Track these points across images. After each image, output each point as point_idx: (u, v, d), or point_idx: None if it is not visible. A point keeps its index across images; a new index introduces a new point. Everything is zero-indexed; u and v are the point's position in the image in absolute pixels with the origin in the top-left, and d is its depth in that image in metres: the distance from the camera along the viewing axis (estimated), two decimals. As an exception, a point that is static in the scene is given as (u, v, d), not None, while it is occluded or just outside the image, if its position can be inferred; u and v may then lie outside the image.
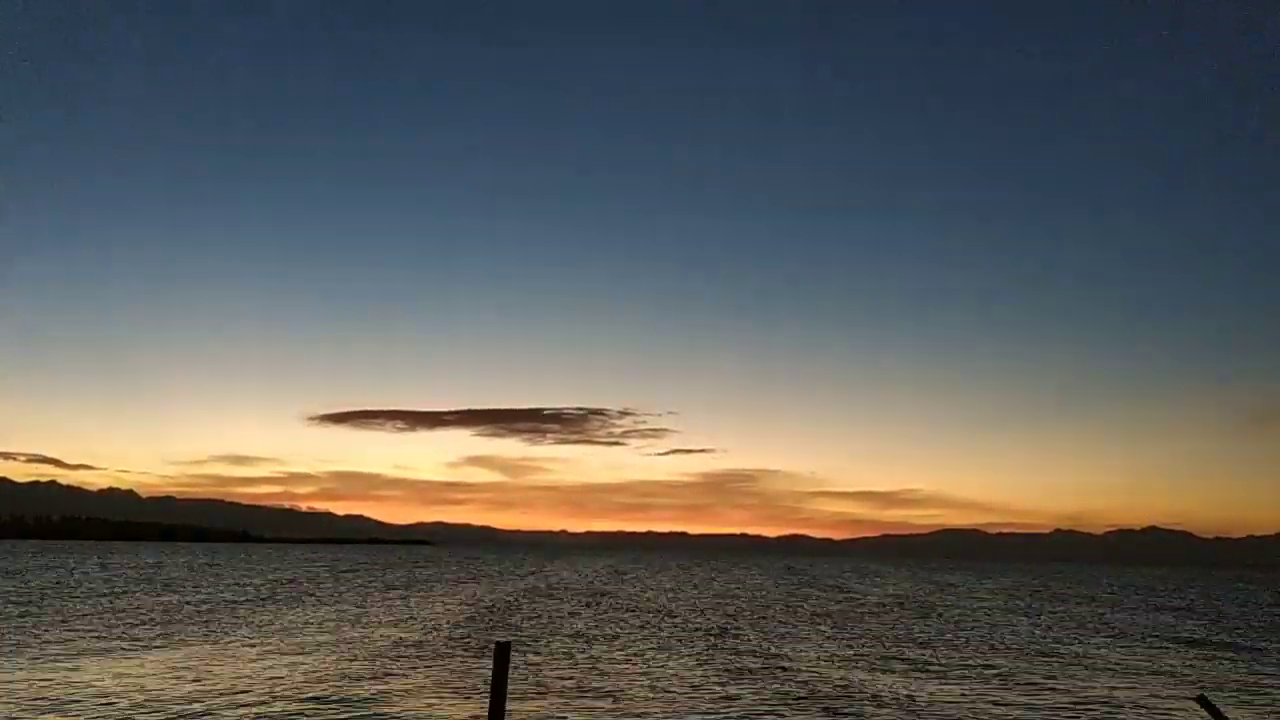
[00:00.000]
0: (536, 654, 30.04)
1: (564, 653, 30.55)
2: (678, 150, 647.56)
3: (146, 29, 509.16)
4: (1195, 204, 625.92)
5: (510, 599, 56.78)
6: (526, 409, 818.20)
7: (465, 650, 30.65)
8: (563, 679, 25.11)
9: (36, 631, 33.00)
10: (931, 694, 24.55)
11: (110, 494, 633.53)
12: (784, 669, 28.33)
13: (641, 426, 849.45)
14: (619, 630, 38.87)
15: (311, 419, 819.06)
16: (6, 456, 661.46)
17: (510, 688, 15.65)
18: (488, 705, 13.92)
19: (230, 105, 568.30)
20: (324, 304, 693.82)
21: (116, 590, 56.91)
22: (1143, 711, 23.21)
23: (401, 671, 25.77)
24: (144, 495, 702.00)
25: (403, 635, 34.85)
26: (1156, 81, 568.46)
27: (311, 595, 57.07)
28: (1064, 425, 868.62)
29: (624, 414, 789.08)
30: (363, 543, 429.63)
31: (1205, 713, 12.65)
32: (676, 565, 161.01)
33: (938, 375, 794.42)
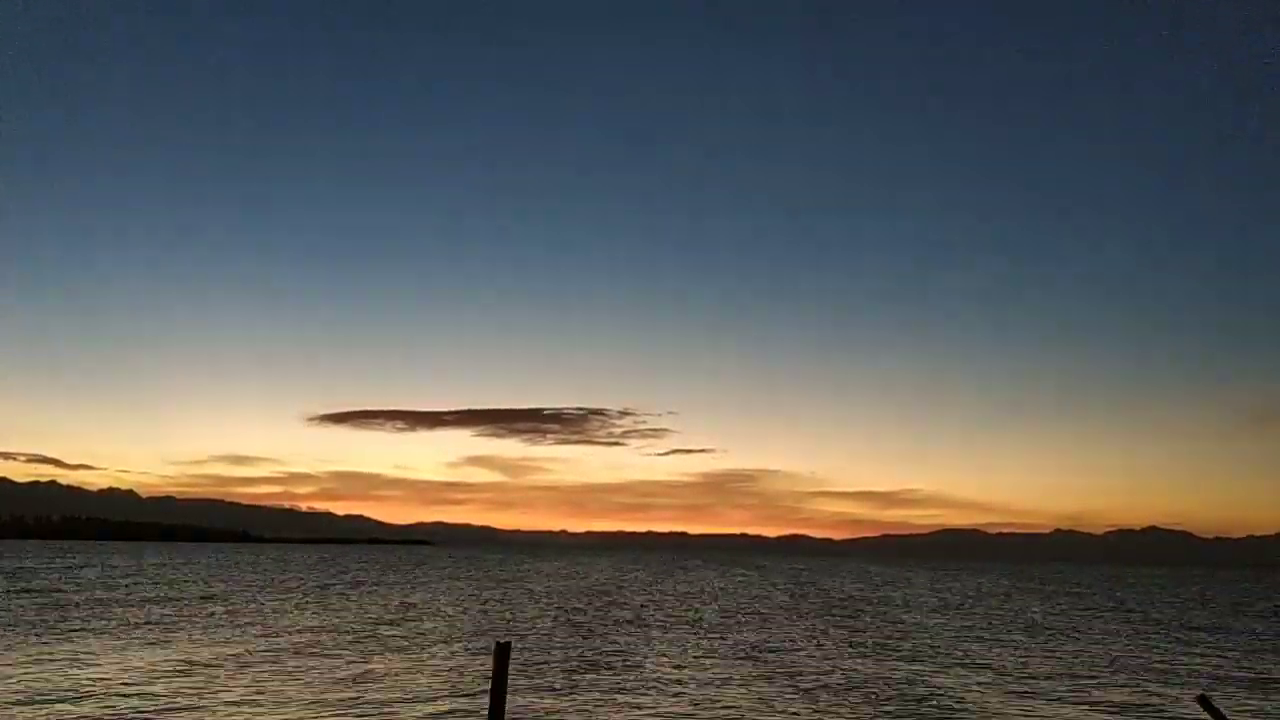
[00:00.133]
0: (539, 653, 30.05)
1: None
2: (678, 150, 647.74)
3: (146, 29, 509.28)
4: (1195, 204, 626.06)
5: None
6: (526, 409, 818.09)
7: (465, 650, 30.67)
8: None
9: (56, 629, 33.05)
10: (932, 692, 24.57)
11: (110, 494, 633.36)
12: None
13: (641, 426, 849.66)
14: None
15: (311, 419, 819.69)
16: (6, 456, 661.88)
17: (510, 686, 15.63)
18: (488, 706, 13.91)
19: (230, 105, 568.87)
20: (324, 304, 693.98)
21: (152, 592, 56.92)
22: (1143, 711, 23.21)
23: (401, 671, 25.78)
24: (144, 495, 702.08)
25: (403, 634, 34.87)
26: (1156, 81, 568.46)
27: (311, 595, 57.11)
28: (1064, 425, 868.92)
29: (624, 414, 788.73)
30: (363, 543, 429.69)
31: (1205, 713, 12.65)
32: (677, 566, 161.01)
33: (938, 375, 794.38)
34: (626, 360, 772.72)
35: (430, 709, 20.77)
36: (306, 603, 50.76)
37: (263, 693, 22.01)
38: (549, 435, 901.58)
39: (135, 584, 64.34)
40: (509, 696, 14.42)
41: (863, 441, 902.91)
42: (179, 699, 20.97)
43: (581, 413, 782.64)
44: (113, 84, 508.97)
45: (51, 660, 26.12)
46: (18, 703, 20.01)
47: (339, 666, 26.40)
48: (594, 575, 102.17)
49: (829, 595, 72.99)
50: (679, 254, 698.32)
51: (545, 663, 28.12)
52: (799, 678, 26.61)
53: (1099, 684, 27.45)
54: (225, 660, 26.98)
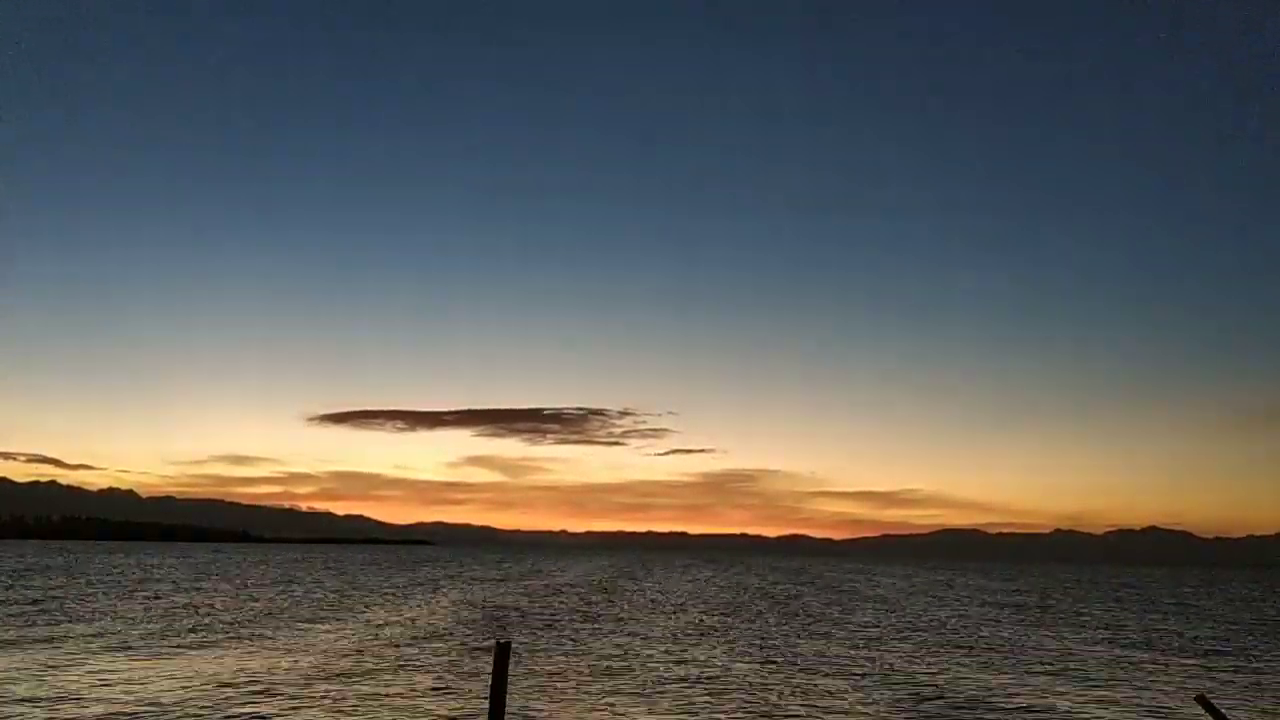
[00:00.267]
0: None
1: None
2: (678, 150, 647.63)
3: (146, 29, 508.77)
4: (1195, 204, 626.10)
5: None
6: (526, 409, 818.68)
7: (465, 650, 30.67)
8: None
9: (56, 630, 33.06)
10: (933, 691, 24.58)
11: (110, 494, 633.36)
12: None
13: (641, 426, 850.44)
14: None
15: (311, 419, 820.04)
16: (6, 456, 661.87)
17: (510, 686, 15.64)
18: (488, 706, 13.91)
19: (230, 105, 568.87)
20: (324, 304, 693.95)
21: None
22: (1143, 712, 23.21)
23: (401, 671, 25.79)
24: (144, 495, 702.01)
25: (402, 635, 34.89)
26: (1156, 81, 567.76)
27: (310, 595, 57.12)
28: (1064, 425, 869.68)
29: (624, 414, 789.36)
30: (363, 543, 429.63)
31: (1205, 713, 12.65)
32: (681, 565, 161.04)
33: (938, 375, 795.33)
34: (626, 360, 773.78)
35: (430, 709, 20.78)
36: (308, 602, 50.81)
37: (262, 694, 22.05)
38: (549, 435, 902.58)
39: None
40: (509, 697, 14.42)
41: (863, 441, 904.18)
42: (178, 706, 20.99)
43: (581, 413, 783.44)
44: (113, 84, 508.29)
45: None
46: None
47: (339, 666, 26.43)
48: (596, 574, 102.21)
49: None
50: (679, 254, 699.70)
51: (545, 662, 28.14)
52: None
53: (1099, 684, 27.45)
54: (224, 664, 27.00)
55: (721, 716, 20.94)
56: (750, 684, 25.31)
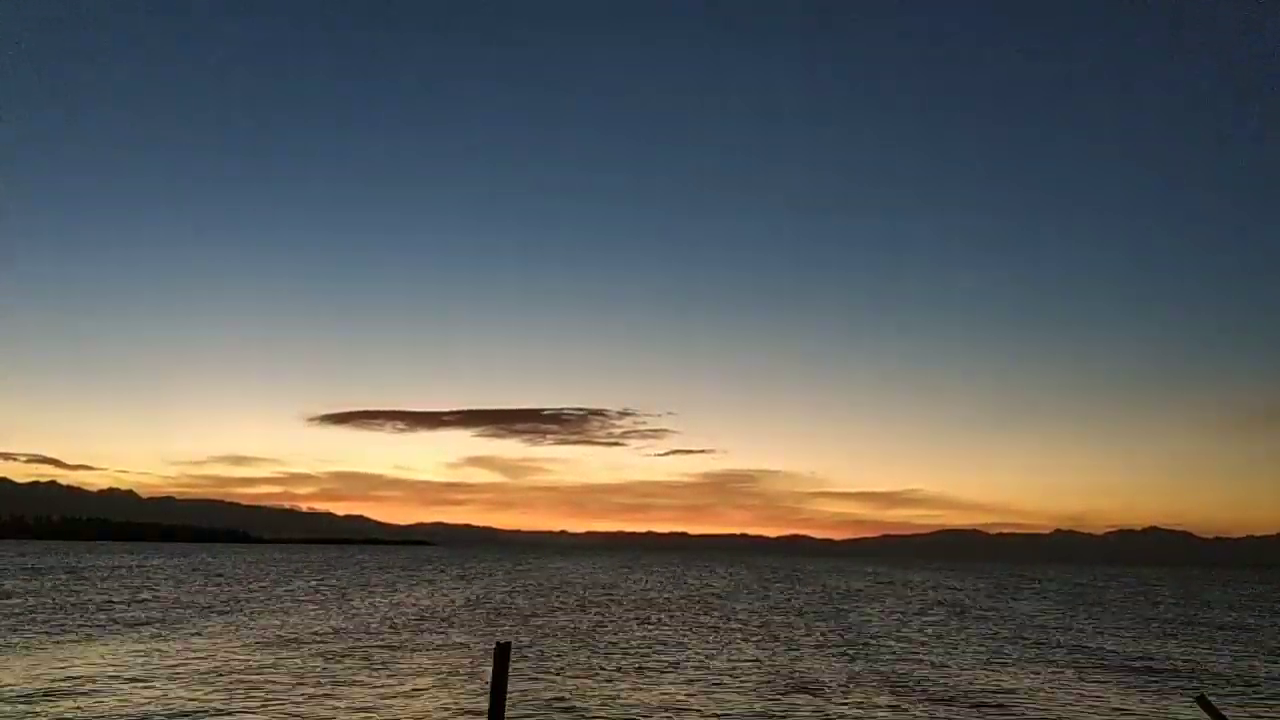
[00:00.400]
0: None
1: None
2: (678, 150, 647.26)
3: (146, 29, 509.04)
4: (1195, 204, 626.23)
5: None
6: (526, 409, 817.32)
7: (465, 650, 30.68)
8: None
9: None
10: (936, 690, 24.58)
11: (110, 494, 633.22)
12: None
13: (641, 427, 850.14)
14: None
15: (311, 419, 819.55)
16: (6, 456, 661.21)
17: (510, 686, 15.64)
18: (488, 706, 13.92)
19: (230, 105, 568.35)
20: (324, 304, 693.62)
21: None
22: (1142, 711, 23.21)
23: (401, 671, 25.80)
24: (144, 495, 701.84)
25: (401, 634, 34.90)
26: (1156, 81, 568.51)
27: (312, 594, 57.13)
28: (1064, 425, 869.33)
29: (624, 414, 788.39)
30: (363, 543, 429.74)
31: (1205, 713, 12.65)
32: (678, 564, 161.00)
33: (938, 375, 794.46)
34: (626, 360, 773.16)
35: (430, 709, 20.78)
36: (309, 601, 50.82)
37: (261, 695, 22.05)
38: (549, 435, 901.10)
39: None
40: (509, 696, 14.43)
41: (863, 441, 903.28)
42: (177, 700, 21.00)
43: (581, 413, 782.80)
44: (113, 84, 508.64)
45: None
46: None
47: (338, 666, 26.44)
48: (597, 574, 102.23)
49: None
50: (679, 254, 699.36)
51: (545, 661, 28.15)
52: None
53: (1099, 683, 27.46)
54: (222, 662, 27.02)
55: (719, 713, 20.96)
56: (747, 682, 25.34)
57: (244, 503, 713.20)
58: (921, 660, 31.64)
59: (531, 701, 21.76)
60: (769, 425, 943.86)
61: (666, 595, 67.58)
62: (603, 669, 27.40)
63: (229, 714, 19.71)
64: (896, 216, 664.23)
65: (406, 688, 23.22)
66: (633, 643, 34.46)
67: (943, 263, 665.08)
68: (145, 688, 22.27)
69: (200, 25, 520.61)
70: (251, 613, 43.42)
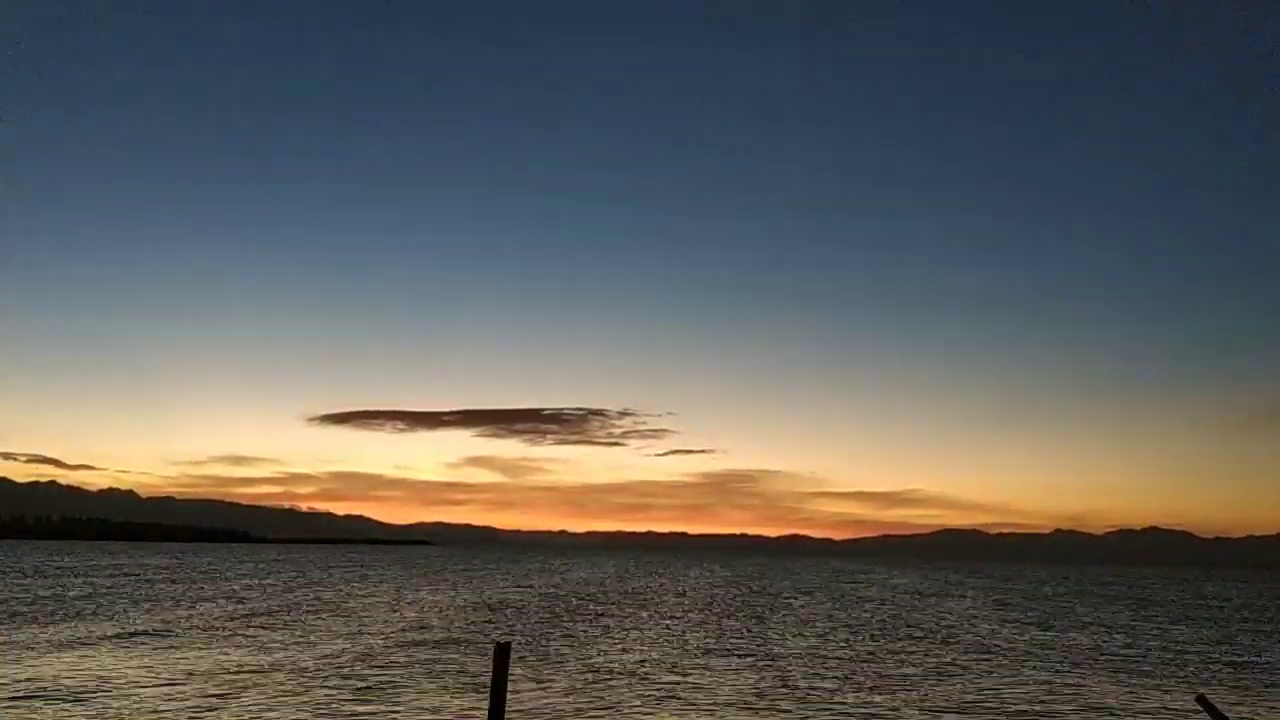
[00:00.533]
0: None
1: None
2: (678, 150, 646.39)
3: (146, 29, 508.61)
4: (1195, 204, 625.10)
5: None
6: (526, 409, 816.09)
7: (465, 650, 30.69)
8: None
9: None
10: (940, 690, 24.59)
11: (110, 494, 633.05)
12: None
13: (641, 427, 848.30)
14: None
15: (311, 419, 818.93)
16: (6, 456, 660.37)
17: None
18: (488, 705, 13.93)
19: (230, 105, 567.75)
20: (324, 304, 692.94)
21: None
22: (1142, 711, 23.23)
23: (401, 671, 25.81)
24: (144, 495, 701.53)
25: (401, 634, 34.91)
26: (1156, 81, 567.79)
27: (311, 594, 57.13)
28: (1064, 425, 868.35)
29: (624, 414, 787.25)
30: (362, 543, 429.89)
31: (1205, 713, 12.67)
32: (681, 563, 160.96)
33: (938, 375, 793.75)
34: (626, 360, 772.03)
35: (431, 709, 20.79)
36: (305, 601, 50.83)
37: (259, 694, 22.06)
38: (549, 435, 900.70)
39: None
40: (509, 696, 14.44)
41: (863, 441, 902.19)
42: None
43: (581, 413, 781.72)
44: (113, 84, 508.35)
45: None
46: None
47: (339, 666, 26.45)
48: (597, 574, 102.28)
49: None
50: (679, 254, 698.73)
51: (545, 661, 28.16)
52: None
53: (1099, 683, 27.47)
54: (219, 662, 27.03)
55: (717, 712, 20.97)
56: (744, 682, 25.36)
57: (244, 503, 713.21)
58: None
59: (531, 701, 21.76)
60: (769, 425, 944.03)
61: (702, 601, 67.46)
62: (603, 668, 27.41)
63: (230, 713, 19.71)
64: (896, 216, 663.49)
65: (406, 688, 23.22)
66: (633, 641, 34.48)
67: (943, 263, 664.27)
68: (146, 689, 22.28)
69: (200, 25, 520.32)
70: (249, 612, 43.44)
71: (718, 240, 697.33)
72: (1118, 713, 22.99)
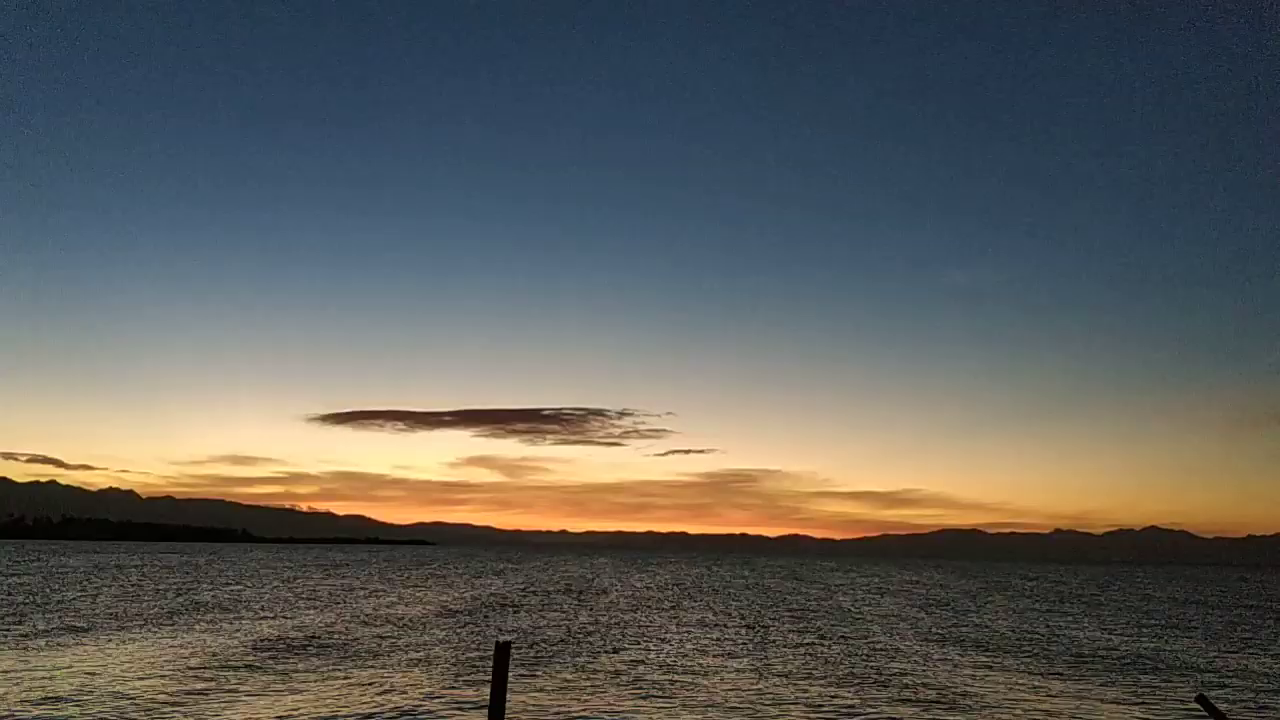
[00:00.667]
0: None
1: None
2: (678, 150, 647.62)
3: (147, 29, 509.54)
4: (1195, 204, 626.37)
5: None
6: (526, 409, 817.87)
7: (464, 649, 30.69)
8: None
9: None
10: (944, 688, 24.59)
11: (110, 494, 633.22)
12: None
13: (641, 427, 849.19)
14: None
15: (312, 419, 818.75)
16: (7, 456, 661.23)
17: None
18: (488, 705, 13.92)
19: (230, 105, 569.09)
20: (324, 305, 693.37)
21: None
22: (1142, 710, 23.23)
23: (401, 670, 25.82)
24: (144, 495, 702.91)
25: (402, 633, 34.91)
26: (1156, 82, 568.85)
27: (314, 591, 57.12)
28: (1064, 426, 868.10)
29: (623, 414, 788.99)
30: (363, 543, 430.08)
31: (1205, 712, 12.67)
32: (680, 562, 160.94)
33: (938, 376, 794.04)
34: (626, 360, 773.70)
35: (431, 708, 20.80)
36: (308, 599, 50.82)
37: (262, 694, 22.06)
38: (548, 435, 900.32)
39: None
40: (509, 695, 14.43)
41: (863, 441, 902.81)
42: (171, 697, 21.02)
43: (581, 413, 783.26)
44: (113, 84, 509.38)
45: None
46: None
47: (340, 666, 26.46)
48: (600, 573, 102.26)
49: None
50: (678, 254, 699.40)
51: (546, 660, 28.16)
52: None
53: (1099, 682, 27.47)
54: (219, 659, 27.04)
55: (714, 711, 20.97)
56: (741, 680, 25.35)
57: (244, 502, 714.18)
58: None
59: (532, 701, 21.77)
60: (769, 425, 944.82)
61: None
62: (604, 668, 27.42)
63: (229, 713, 19.72)
64: (895, 217, 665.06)
65: (406, 687, 23.23)
66: (633, 641, 34.47)
67: (943, 262, 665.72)
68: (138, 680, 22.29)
69: (200, 25, 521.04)
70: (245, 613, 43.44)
71: (718, 241, 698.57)
72: (1118, 713, 22.98)
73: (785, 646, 34.47)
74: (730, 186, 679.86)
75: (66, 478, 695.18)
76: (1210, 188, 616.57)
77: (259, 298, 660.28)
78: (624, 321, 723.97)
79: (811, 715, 21.39)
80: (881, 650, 34.24)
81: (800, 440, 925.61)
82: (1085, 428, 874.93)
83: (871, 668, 29.31)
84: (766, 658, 31.03)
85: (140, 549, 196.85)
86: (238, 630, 35.26)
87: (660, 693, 23.52)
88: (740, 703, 22.47)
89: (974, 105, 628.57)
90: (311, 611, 44.95)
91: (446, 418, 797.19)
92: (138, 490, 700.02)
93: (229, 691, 22.00)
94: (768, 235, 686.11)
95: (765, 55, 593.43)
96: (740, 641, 35.97)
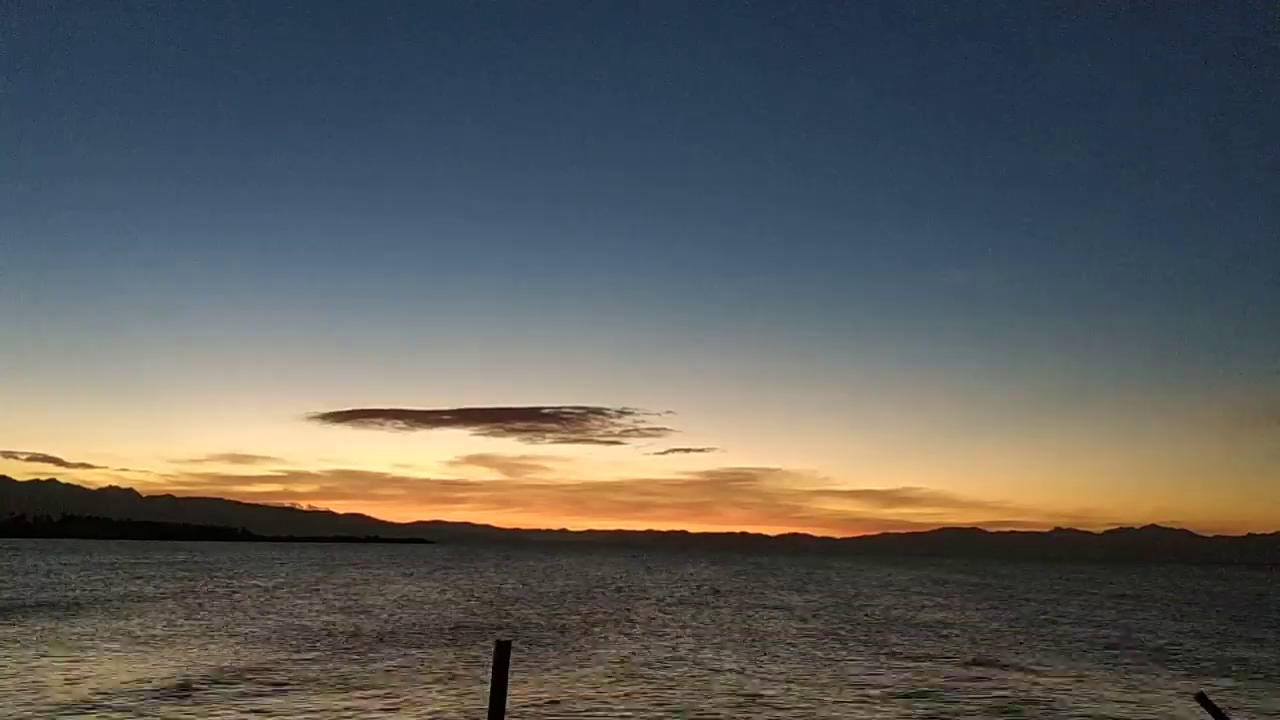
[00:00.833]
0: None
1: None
2: (678, 150, 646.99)
3: (147, 29, 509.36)
4: (1195, 204, 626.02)
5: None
6: (525, 408, 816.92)
7: (464, 648, 30.69)
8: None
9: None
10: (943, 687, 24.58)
11: (110, 493, 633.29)
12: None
13: (641, 426, 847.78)
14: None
15: (312, 418, 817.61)
16: (7, 456, 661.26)
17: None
18: (488, 704, 13.92)
19: (230, 105, 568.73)
20: (324, 304, 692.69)
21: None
22: (1142, 709, 23.22)
23: (401, 669, 25.82)
24: (144, 494, 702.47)
25: (401, 633, 34.90)
26: (1156, 82, 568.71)
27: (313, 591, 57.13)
28: (1064, 424, 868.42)
29: (623, 413, 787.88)
30: (362, 541, 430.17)
31: (1205, 711, 12.66)
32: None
33: (938, 375, 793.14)
34: (626, 360, 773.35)
35: (430, 708, 20.79)
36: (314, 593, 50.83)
37: (261, 694, 22.06)
38: (548, 434, 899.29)
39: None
40: (509, 695, 14.43)
41: (863, 441, 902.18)
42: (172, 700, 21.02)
43: (581, 412, 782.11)
44: (113, 84, 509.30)
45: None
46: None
47: (340, 666, 26.46)
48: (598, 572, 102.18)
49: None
50: (678, 254, 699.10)
51: (546, 660, 28.17)
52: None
53: (1098, 682, 27.46)
54: (217, 662, 27.04)
55: (710, 708, 20.97)
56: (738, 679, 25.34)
57: (244, 501, 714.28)
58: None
59: (532, 700, 21.76)
60: (769, 424, 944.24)
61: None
62: (604, 669, 27.42)
63: (229, 713, 19.72)
64: (895, 216, 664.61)
65: (406, 686, 23.22)
66: (631, 639, 34.48)
67: (943, 262, 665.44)
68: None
69: (200, 25, 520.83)
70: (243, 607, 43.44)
71: (717, 240, 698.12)
72: (1118, 711, 22.97)
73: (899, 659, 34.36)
74: (730, 186, 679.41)
75: (66, 476, 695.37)
76: (1210, 188, 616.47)
77: (259, 297, 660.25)
78: (624, 321, 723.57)
79: None
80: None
81: (800, 439, 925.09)
82: (1085, 427, 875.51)
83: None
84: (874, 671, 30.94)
85: (140, 548, 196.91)
86: (238, 630, 35.26)
87: (667, 692, 23.51)
88: None
89: (974, 105, 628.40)
90: (311, 611, 44.96)
91: (446, 416, 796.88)
92: (137, 489, 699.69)
93: (229, 691, 22.02)
94: (768, 235, 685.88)
95: (765, 55, 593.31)
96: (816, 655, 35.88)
